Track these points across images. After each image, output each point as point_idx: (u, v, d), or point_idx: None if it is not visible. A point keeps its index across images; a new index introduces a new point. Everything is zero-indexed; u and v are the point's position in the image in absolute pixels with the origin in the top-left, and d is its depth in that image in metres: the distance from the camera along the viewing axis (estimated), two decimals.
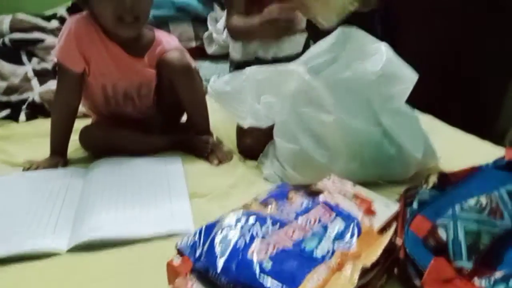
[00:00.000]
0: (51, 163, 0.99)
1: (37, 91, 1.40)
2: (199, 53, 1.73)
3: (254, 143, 0.99)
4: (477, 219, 0.58)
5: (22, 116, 1.34)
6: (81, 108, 1.06)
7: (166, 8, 1.78)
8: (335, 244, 0.56)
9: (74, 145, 1.05)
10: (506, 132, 1.50)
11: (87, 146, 1.05)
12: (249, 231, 0.56)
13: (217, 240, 0.55)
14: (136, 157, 1.00)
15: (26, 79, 1.43)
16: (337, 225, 0.59)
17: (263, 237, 0.55)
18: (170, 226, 0.74)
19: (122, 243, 0.70)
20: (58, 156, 1.01)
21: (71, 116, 1.01)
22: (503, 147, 0.93)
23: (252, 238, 0.55)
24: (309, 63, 0.88)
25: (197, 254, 0.54)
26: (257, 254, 0.52)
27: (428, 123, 1.09)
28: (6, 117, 1.35)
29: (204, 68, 1.57)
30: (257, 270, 0.50)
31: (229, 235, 0.55)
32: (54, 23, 1.66)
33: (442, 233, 0.57)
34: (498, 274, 0.53)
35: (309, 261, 0.53)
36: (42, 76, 1.47)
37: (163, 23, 1.73)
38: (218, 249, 0.53)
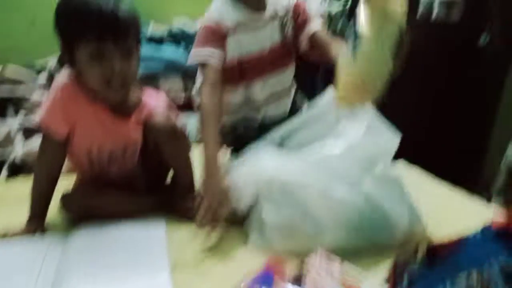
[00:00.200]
0: (29, 229, 0.94)
1: (19, 150, 1.37)
2: (188, 106, 1.73)
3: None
4: None
5: (3, 174, 1.31)
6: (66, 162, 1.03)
7: (155, 64, 1.80)
8: None
9: (55, 206, 1.01)
10: (492, 175, 1.51)
11: (68, 212, 1.01)
12: None
13: None
14: (118, 222, 0.96)
15: (8, 138, 1.41)
16: None
17: None
18: None
19: None
20: (37, 220, 0.97)
21: (53, 181, 0.98)
22: (489, 199, 0.94)
23: None
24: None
25: None
26: None
27: (415, 179, 1.11)
28: None
29: (193, 121, 1.58)
30: None
31: None
32: (42, 78, 1.68)
33: None
34: None
35: None
36: (28, 131, 1.45)
37: (152, 78, 1.76)
38: None
